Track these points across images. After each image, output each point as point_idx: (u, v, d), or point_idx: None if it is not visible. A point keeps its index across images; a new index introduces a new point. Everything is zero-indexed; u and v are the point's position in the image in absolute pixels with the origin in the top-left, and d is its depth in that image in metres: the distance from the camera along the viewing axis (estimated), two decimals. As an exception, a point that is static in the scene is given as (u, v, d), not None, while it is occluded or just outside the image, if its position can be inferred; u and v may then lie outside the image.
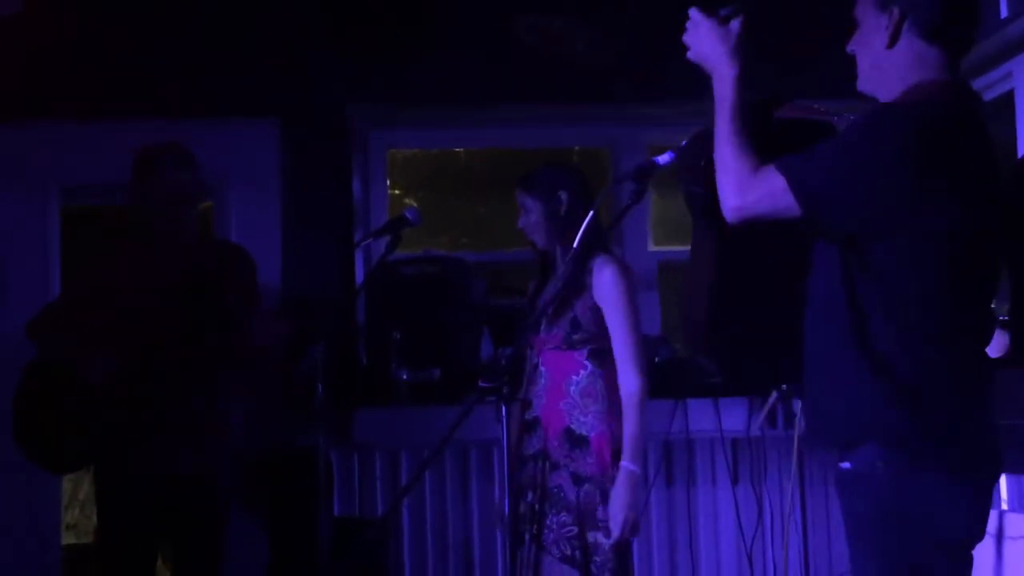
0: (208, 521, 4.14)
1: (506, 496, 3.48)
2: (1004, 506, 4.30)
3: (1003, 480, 4.39)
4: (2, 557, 4.89)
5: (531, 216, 3.85)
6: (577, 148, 5.72)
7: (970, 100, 2.72)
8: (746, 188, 2.62)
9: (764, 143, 2.68)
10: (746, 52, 2.74)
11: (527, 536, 3.74)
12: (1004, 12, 4.35)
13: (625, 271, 3.77)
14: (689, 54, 2.80)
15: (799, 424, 4.22)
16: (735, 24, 2.76)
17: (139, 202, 4.10)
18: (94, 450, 4.09)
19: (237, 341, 4.08)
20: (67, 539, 5.83)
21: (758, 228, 2.71)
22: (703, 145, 2.95)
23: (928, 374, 2.59)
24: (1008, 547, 3.94)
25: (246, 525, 4.53)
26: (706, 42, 2.77)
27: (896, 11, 2.62)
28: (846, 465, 2.64)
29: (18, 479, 4.70)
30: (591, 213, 3.43)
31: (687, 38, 2.80)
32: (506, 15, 5.09)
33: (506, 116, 5.37)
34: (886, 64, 2.68)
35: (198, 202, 4.23)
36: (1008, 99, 4.63)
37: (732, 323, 3.00)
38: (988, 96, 4.81)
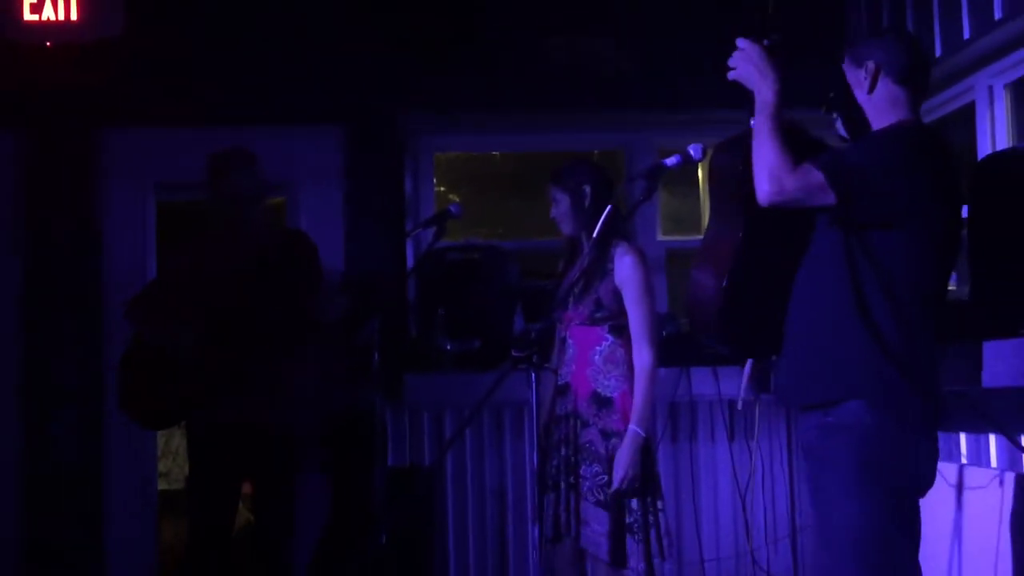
0: (283, 468, 4.26)
1: (535, 451, 3.59)
2: (964, 460, 4.37)
3: (963, 437, 4.42)
4: (110, 503, 5.06)
5: (560, 207, 3.89)
6: (596, 151, 5.74)
7: (934, 131, 3.11)
8: (784, 178, 2.75)
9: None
10: (784, 71, 2.87)
11: (563, 485, 3.79)
12: (967, 34, 4.35)
13: (643, 258, 3.83)
14: (732, 75, 2.91)
15: (774, 386, 4.11)
16: (779, 50, 2.91)
17: (212, 200, 4.25)
18: (183, 410, 4.23)
19: (302, 312, 4.19)
20: (160, 486, 5.85)
21: (775, 227, 2.89)
22: (740, 148, 3.00)
23: (913, 344, 2.76)
24: (967, 496, 4.01)
25: (313, 472, 4.65)
26: (754, 64, 2.88)
27: (872, 64, 2.88)
28: (830, 419, 2.79)
29: (122, 435, 4.92)
30: (608, 207, 3.57)
31: (733, 61, 2.91)
32: (537, 36, 5.20)
33: (536, 123, 5.43)
34: (867, 107, 2.92)
35: (263, 197, 4.35)
36: (970, 109, 4.72)
37: (745, 312, 3.00)
38: (951, 107, 4.90)
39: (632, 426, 3.71)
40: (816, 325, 2.86)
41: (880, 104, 2.90)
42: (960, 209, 2.92)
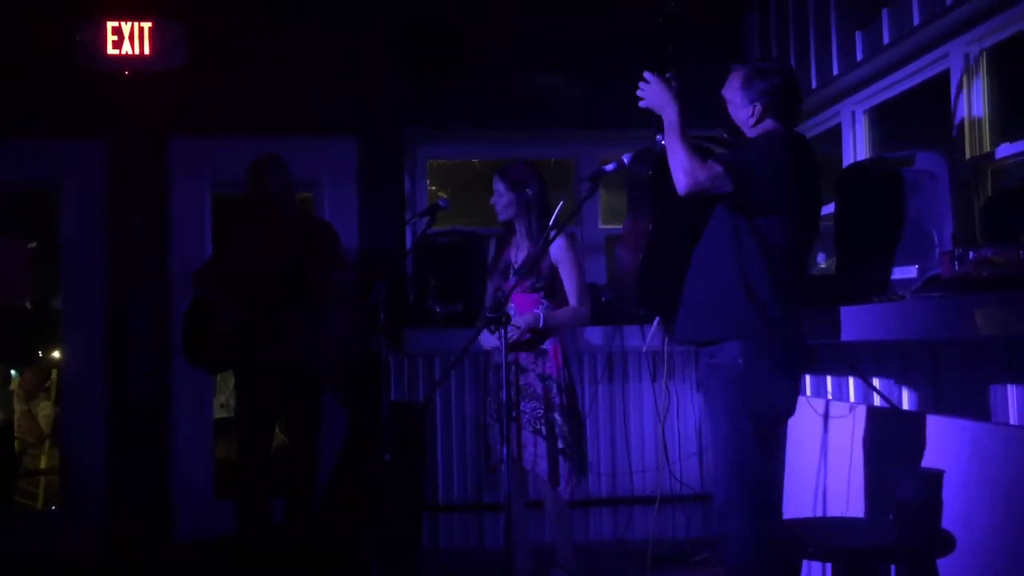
0: (310, 402, 4.29)
1: (503, 389, 3.53)
2: (829, 396, 4.36)
3: (829, 378, 4.24)
4: (176, 428, 4.99)
5: (502, 199, 3.92)
6: (552, 159, 5.75)
7: (802, 136, 3.02)
8: (696, 171, 2.78)
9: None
10: (683, 97, 2.91)
11: (505, 419, 3.59)
12: (836, 71, 4.35)
13: (571, 241, 3.86)
14: (643, 103, 2.91)
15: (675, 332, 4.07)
16: (675, 82, 2.93)
17: (253, 195, 4.27)
18: (231, 358, 4.25)
19: (326, 280, 4.20)
20: (221, 414, 5.95)
21: (676, 219, 2.95)
22: (647, 159, 3.05)
23: (782, 305, 2.80)
24: (831, 424, 4.00)
25: (335, 405, 4.67)
26: (658, 94, 2.89)
27: (759, 107, 2.91)
28: (714, 360, 2.83)
29: (185, 375, 4.85)
30: (560, 204, 3.53)
31: (641, 92, 2.91)
32: (509, 72, 5.17)
33: (507, 138, 5.41)
34: (747, 126, 2.98)
35: (293, 193, 4.35)
36: (837, 129, 4.66)
37: (657, 282, 3.05)
38: (822, 128, 4.83)
39: (542, 312, 3.75)
40: (709, 287, 2.89)
41: (759, 126, 2.95)
42: (817, 201, 2.92)
